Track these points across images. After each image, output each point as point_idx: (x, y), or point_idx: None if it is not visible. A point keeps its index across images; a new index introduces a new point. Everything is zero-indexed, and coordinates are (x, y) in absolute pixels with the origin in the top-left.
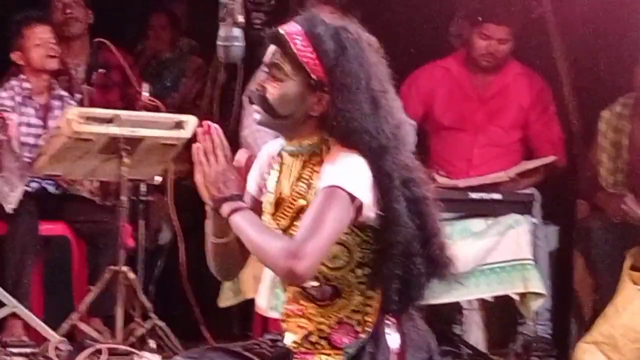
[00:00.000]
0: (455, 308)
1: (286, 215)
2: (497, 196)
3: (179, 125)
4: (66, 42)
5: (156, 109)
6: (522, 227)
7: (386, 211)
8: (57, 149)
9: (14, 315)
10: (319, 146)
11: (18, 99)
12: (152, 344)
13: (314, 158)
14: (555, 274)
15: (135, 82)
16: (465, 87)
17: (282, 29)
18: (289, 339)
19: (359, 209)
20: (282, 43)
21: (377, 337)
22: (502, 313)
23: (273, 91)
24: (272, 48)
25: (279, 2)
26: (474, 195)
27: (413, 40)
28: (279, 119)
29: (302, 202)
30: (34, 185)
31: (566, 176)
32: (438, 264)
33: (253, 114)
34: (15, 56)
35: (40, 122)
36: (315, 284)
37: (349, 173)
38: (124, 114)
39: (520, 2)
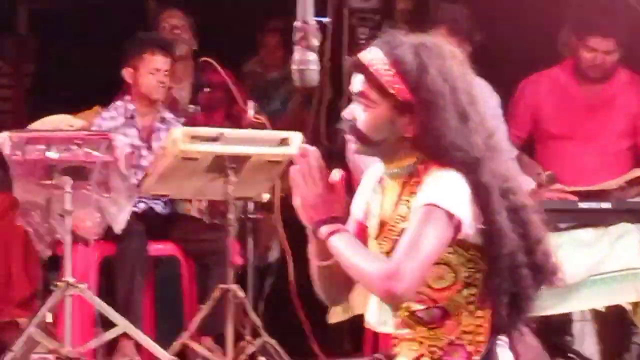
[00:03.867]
0: (567, 319)
1: (389, 239)
2: (607, 205)
3: (284, 141)
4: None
5: (262, 127)
6: (632, 235)
7: (488, 224)
8: (164, 169)
9: (125, 335)
10: (416, 166)
11: (121, 120)
12: None
13: (413, 179)
14: None
15: (240, 100)
16: (574, 95)
17: (363, 56)
18: None
19: (457, 226)
20: (364, 70)
21: (489, 357)
22: (615, 323)
23: (363, 119)
24: (356, 76)
25: (384, 17)
26: (583, 205)
27: (523, 49)
28: (374, 146)
29: (403, 224)
30: (142, 205)
31: None
32: (545, 272)
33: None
34: (126, 72)
35: (143, 144)
36: (422, 306)
37: (445, 190)
38: (228, 132)
39: (626, 11)
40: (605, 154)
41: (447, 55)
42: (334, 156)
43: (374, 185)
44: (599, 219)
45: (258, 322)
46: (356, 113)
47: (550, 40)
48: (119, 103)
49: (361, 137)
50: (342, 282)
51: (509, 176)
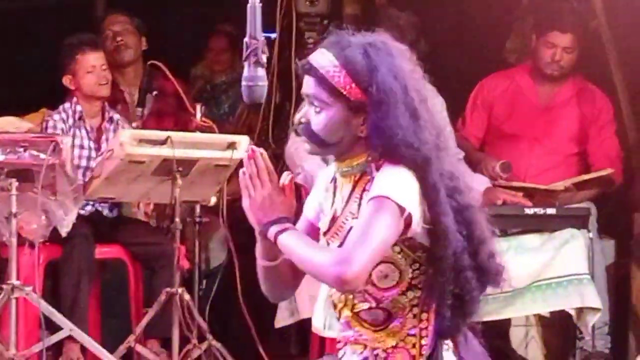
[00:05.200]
0: (507, 323)
1: (338, 235)
2: (552, 211)
3: (231, 145)
4: (119, 70)
5: (210, 130)
6: (578, 241)
7: (434, 224)
8: (111, 172)
9: (70, 338)
10: (368, 164)
11: (70, 121)
12: None
13: (365, 177)
14: (613, 288)
15: (190, 107)
16: (529, 95)
17: (312, 59)
18: None
19: (408, 220)
20: (315, 73)
21: None
22: (560, 328)
23: (317, 122)
24: (307, 79)
25: (331, 22)
26: (528, 211)
27: (468, 57)
28: (329, 147)
29: (353, 221)
30: (89, 208)
31: (623, 189)
32: (489, 273)
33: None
34: (66, 80)
35: (93, 145)
36: (366, 306)
37: (397, 185)
38: (176, 135)
39: (579, 13)
40: (552, 155)
41: (396, 53)
42: (282, 159)
43: (327, 185)
44: (544, 225)
45: (204, 325)
46: (310, 115)
47: (498, 50)
48: (67, 105)
49: (316, 140)
50: (287, 281)
51: (455, 174)
